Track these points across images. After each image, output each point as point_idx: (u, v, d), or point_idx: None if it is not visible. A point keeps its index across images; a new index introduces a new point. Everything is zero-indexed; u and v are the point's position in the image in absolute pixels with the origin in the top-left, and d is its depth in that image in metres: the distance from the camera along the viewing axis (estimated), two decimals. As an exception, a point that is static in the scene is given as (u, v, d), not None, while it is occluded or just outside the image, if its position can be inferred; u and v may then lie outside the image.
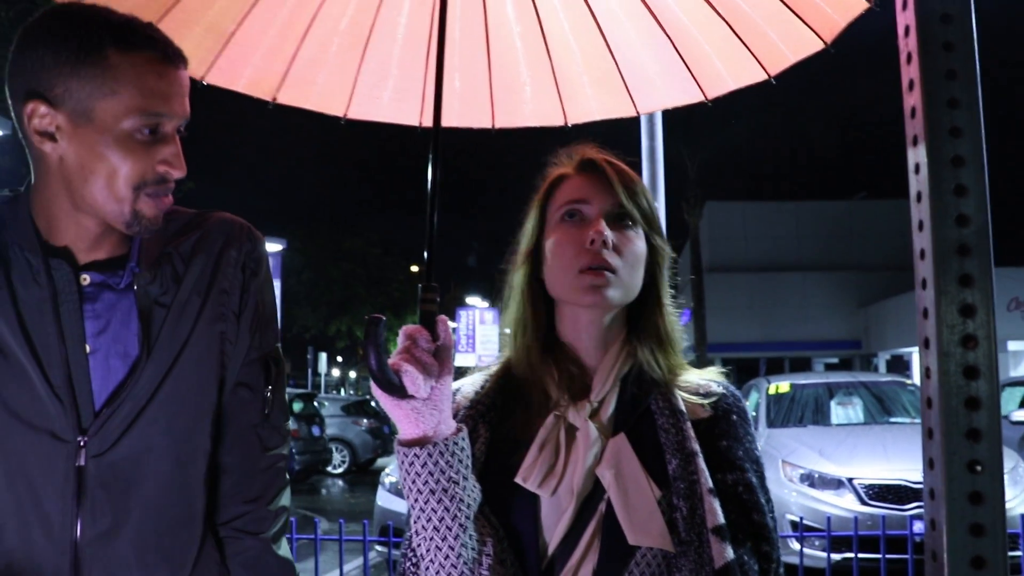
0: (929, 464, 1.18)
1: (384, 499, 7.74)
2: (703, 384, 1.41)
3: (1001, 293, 22.55)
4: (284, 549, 1.52)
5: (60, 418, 1.30)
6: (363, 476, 18.07)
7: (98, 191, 1.30)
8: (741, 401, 1.42)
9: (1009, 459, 7.24)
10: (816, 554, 5.94)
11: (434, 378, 1.22)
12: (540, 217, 1.44)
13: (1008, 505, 6.69)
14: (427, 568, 1.27)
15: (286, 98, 2.28)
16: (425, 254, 1.40)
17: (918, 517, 6.27)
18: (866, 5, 1.93)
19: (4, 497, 1.29)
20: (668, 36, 2.19)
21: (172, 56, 1.34)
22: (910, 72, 1.20)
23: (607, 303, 1.35)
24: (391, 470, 8.06)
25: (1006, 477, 6.86)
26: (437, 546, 1.25)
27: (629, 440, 1.31)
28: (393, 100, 2.36)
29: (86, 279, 1.35)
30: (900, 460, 7.06)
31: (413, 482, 1.24)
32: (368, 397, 26.04)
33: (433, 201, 1.44)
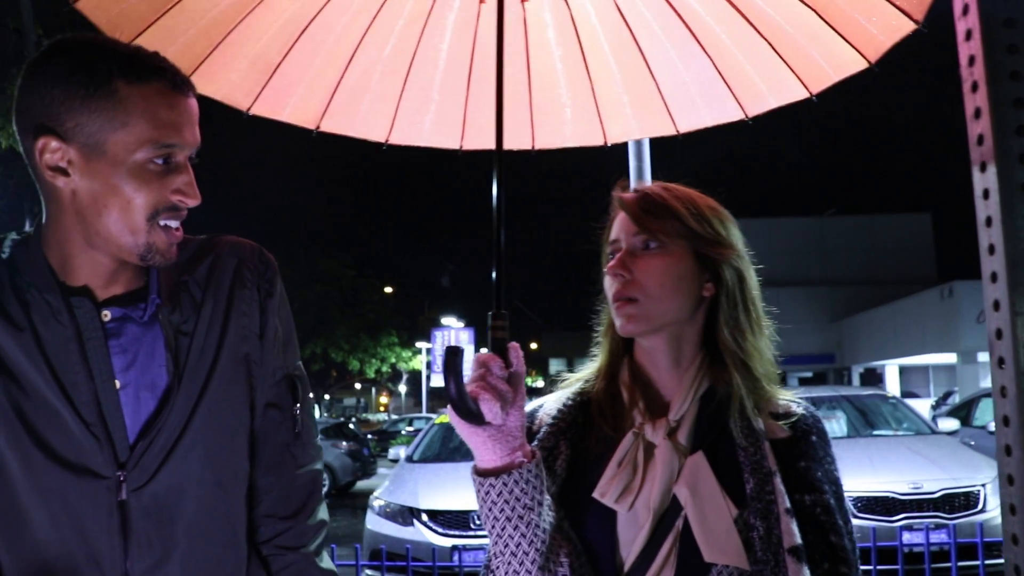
0: (1008, 480, 1.21)
1: (373, 522, 7.73)
2: (783, 404, 1.43)
3: (970, 306, 22.98)
4: (327, 561, 1.53)
5: (96, 455, 1.29)
6: (343, 499, 17.91)
7: (112, 223, 1.29)
8: (821, 422, 1.44)
9: (991, 469, 7.34)
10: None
11: (509, 405, 1.25)
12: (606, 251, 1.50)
13: (992, 514, 6.80)
14: None
15: (329, 126, 2.30)
16: (494, 281, 1.42)
17: (907, 528, 6.36)
18: (913, 26, 1.94)
19: (51, 538, 1.28)
20: (708, 55, 2.22)
21: (181, 85, 1.33)
22: (970, 48, 1.23)
23: (639, 331, 1.41)
24: (379, 493, 8.04)
25: (989, 487, 6.99)
26: (515, 570, 1.29)
27: (707, 458, 1.34)
28: (435, 124, 2.39)
29: (107, 315, 1.34)
30: (886, 472, 7.13)
31: (490, 510, 1.28)
32: (343, 419, 25.84)
33: (499, 228, 1.46)
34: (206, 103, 1.66)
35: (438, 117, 2.39)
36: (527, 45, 2.31)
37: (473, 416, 1.24)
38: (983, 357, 24.26)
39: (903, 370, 31.97)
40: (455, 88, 2.35)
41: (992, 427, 10.11)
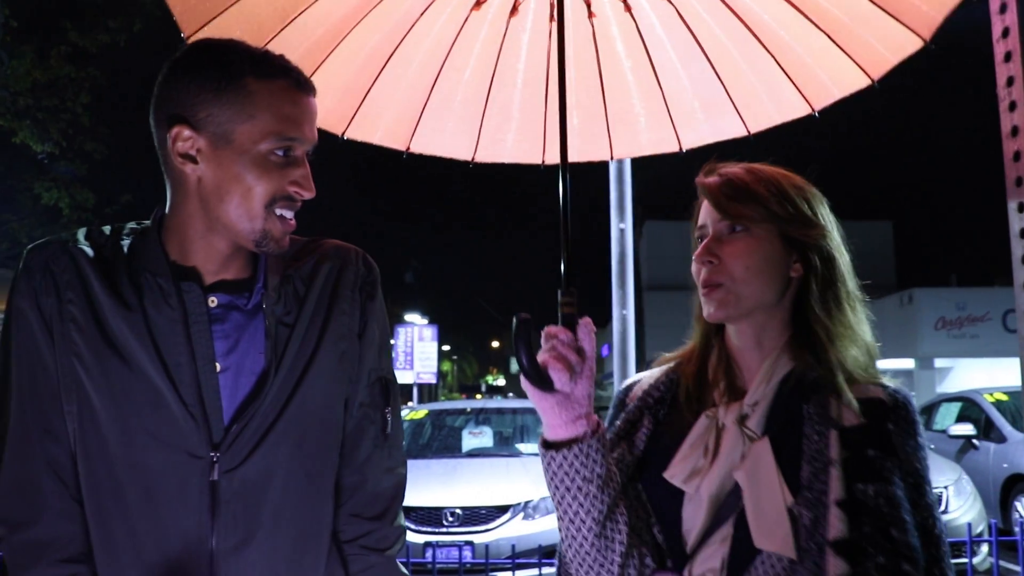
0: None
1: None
2: (870, 389, 1.40)
3: (928, 312, 23.35)
4: (400, 566, 1.58)
5: (193, 435, 1.36)
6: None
7: (233, 209, 1.38)
8: (905, 409, 1.38)
9: (953, 471, 7.51)
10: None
11: (578, 374, 1.34)
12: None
13: (953, 515, 6.95)
14: (566, 551, 1.42)
15: (418, 147, 2.42)
16: (562, 264, 1.51)
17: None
18: (920, 44, 1.96)
19: (144, 512, 1.34)
20: (770, 53, 2.23)
21: (304, 84, 1.43)
22: (1010, 69, 1.28)
23: (727, 316, 1.44)
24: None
25: (951, 488, 7.13)
26: (573, 535, 1.38)
27: (775, 445, 1.35)
28: (516, 141, 2.47)
29: (213, 300, 1.42)
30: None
31: (551, 479, 1.39)
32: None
33: (566, 222, 1.55)
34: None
35: (519, 134, 2.47)
36: (598, 59, 2.37)
37: (543, 382, 1.33)
38: (940, 363, 24.72)
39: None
40: (533, 105, 2.43)
41: (952, 431, 10.36)
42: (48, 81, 13.81)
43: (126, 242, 1.44)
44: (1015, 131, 1.30)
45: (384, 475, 1.55)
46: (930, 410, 12.01)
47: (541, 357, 1.33)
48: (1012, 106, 1.30)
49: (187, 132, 1.36)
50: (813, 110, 2.29)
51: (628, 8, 2.26)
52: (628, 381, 1.62)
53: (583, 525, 1.37)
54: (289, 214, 1.42)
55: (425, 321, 29.87)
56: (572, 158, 2.44)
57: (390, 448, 1.56)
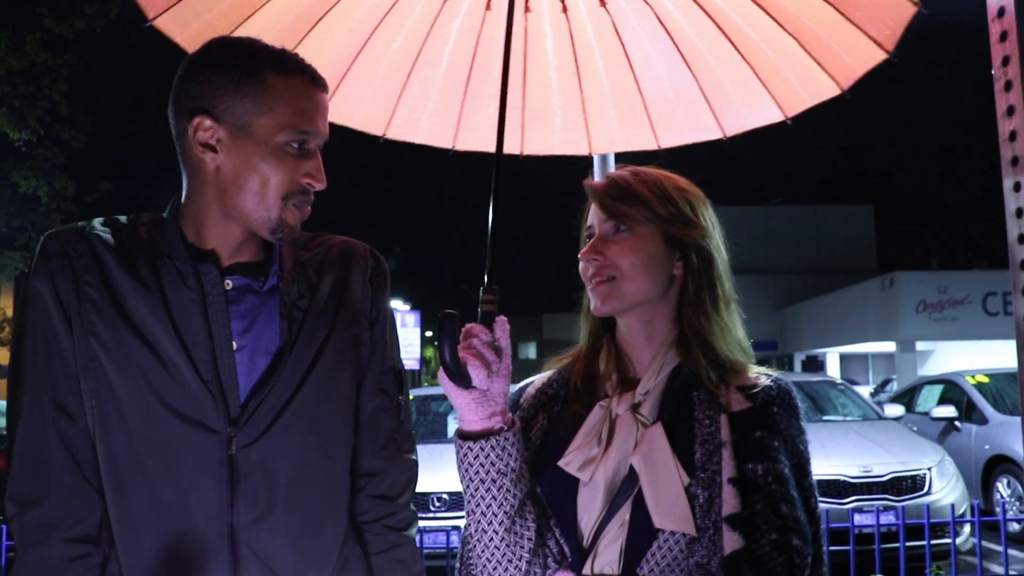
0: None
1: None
2: (752, 377, 1.49)
3: (910, 296, 23.54)
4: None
5: (211, 410, 1.40)
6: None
7: (250, 198, 1.44)
8: (788, 395, 1.48)
9: (935, 453, 7.58)
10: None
11: (495, 372, 1.36)
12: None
13: (937, 496, 7.01)
14: (474, 546, 1.42)
15: (332, 116, 2.39)
16: (487, 262, 1.53)
17: (857, 510, 6.52)
18: (884, 56, 2.06)
19: (166, 486, 1.39)
20: (694, 74, 2.31)
21: (318, 81, 1.50)
22: (1007, 73, 1.29)
23: (614, 309, 1.49)
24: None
25: (934, 470, 7.19)
26: (483, 529, 1.39)
27: (668, 431, 1.41)
28: (431, 124, 2.47)
29: (229, 283, 1.47)
30: (837, 456, 7.30)
31: (466, 471, 1.39)
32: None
33: (496, 214, 1.59)
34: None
35: (435, 116, 2.47)
36: (526, 54, 2.39)
37: (462, 378, 1.35)
38: (921, 346, 24.95)
39: (843, 358, 32.69)
40: (453, 90, 2.43)
41: (934, 413, 10.45)
42: (24, 68, 13.64)
43: (143, 229, 1.49)
44: (1011, 111, 1.29)
45: (403, 459, 1.61)
46: (912, 392, 12.12)
47: (460, 354, 1.35)
48: (1008, 86, 1.30)
49: (208, 122, 1.42)
50: (724, 132, 2.39)
51: (604, 3, 2.29)
52: (521, 384, 1.66)
53: (494, 519, 1.38)
54: (304, 203, 1.48)
55: (408, 307, 29.88)
56: (480, 147, 2.49)
57: (404, 434, 1.62)
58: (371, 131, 2.44)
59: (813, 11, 2.08)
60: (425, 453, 7.88)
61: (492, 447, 1.37)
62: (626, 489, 1.39)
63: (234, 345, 1.44)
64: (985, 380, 10.66)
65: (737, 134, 2.40)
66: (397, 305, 29.18)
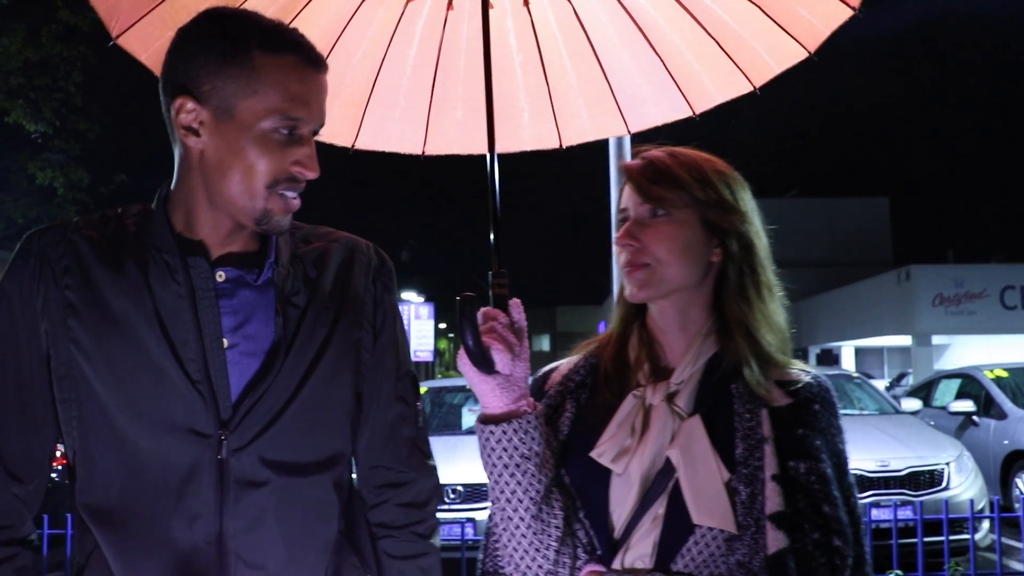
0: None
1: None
2: (791, 373, 1.44)
3: (926, 289, 23.37)
4: None
5: (200, 412, 1.32)
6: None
7: (234, 186, 1.34)
8: (828, 393, 1.43)
9: (954, 448, 7.51)
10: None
11: (516, 356, 1.33)
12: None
13: (956, 491, 6.95)
14: (500, 535, 1.38)
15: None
16: (492, 244, 1.51)
17: (875, 504, 6.47)
18: (850, 13, 2.00)
19: (152, 492, 1.32)
20: (658, 55, 2.27)
21: (315, 60, 1.38)
22: None
23: (650, 296, 1.44)
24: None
25: (952, 465, 7.13)
26: (509, 516, 1.35)
27: (705, 423, 1.37)
28: (400, 131, 2.43)
29: (221, 275, 1.38)
30: (855, 451, 7.11)
31: (489, 456, 1.35)
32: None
33: (494, 199, 1.57)
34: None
35: (403, 123, 2.43)
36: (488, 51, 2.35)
37: (486, 364, 1.31)
38: (937, 340, 24.77)
39: (859, 351, 32.53)
40: (420, 94, 2.39)
41: (952, 407, 10.37)
42: (40, 60, 13.69)
43: (131, 221, 1.42)
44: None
45: (428, 466, 1.56)
46: (929, 387, 12.03)
47: (483, 339, 1.31)
48: None
49: (191, 104, 1.33)
50: (693, 112, 2.34)
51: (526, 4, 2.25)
52: (545, 368, 1.60)
53: (520, 505, 1.34)
54: (292, 194, 1.38)
55: (422, 299, 29.91)
56: (451, 150, 2.47)
57: (423, 440, 1.57)
58: (339, 143, 2.39)
59: None
60: (440, 445, 7.88)
61: (515, 430, 1.33)
62: (661, 482, 1.35)
63: (225, 343, 1.36)
64: (1004, 375, 10.57)
65: (706, 111, 2.36)
66: (411, 297, 29.24)
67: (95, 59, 14.17)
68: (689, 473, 1.33)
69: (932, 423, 9.98)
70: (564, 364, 1.58)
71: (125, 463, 1.33)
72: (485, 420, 1.36)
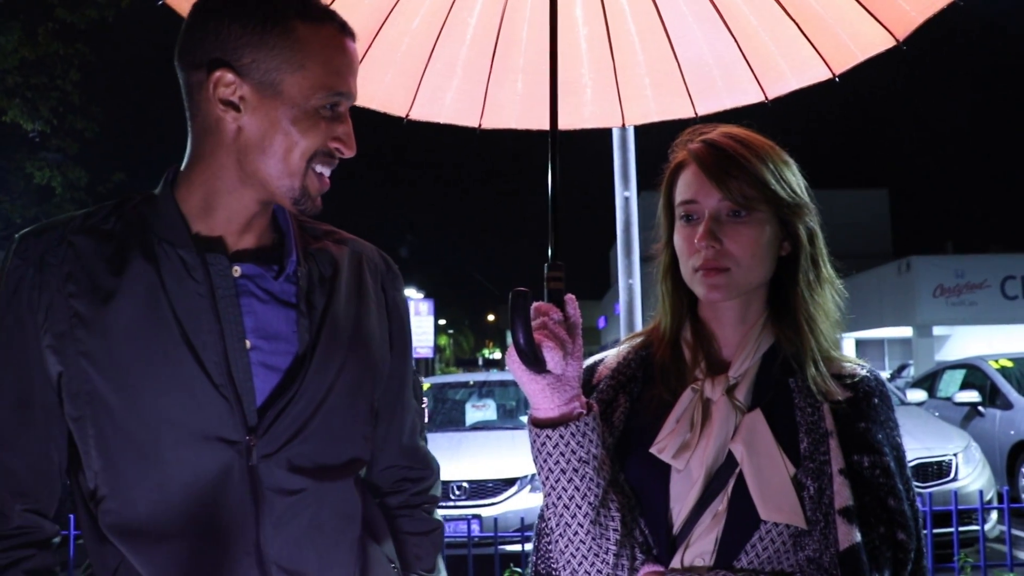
0: None
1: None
2: (847, 366, 1.41)
3: (927, 280, 23.35)
4: None
5: (227, 419, 1.26)
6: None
7: (273, 164, 1.28)
8: (885, 386, 1.41)
9: (961, 439, 7.49)
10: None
11: (569, 355, 1.26)
12: (668, 207, 1.46)
13: (964, 482, 6.93)
14: (557, 541, 1.32)
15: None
16: (550, 237, 1.43)
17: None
18: (947, 0, 1.91)
19: (182, 508, 1.26)
20: (734, 36, 2.20)
21: (348, 29, 1.32)
22: None
23: (725, 298, 1.38)
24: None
25: (960, 456, 7.10)
26: (567, 522, 1.29)
27: (765, 417, 1.33)
28: (455, 102, 2.36)
29: (238, 270, 1.31)
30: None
31: (544, 462, 1.29)
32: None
33: (555, 189, 1.48)
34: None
35: (460, 94, 2.36)
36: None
37: (537, 363, 1.24)
38: (938, 331, 24.76)
39: (859, 343, 32.53)
40: (479, 65, 2.32)
41: (957, 398, 10.33)
42: (37, 58, 13.64)
43: (134, 214, 1.33)
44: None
45: (432, 459, 1.63)
46: (933, 377, 12.00)
47: (535, 336, 1.24)
48: None
49: (230, 76, 1.25)
50: (766, 97, 2.28)
51: None
52: (589, 361, 1.54)
53: (578, 511, 1.28)
54: (327, 171, 1.33)
55: (421, 295, 29.95)
56: (510, 124, 2.41)
57: (425, 440, 1.63)
58: (394, 112, 2.34)
59: None
60: (443, 442, 7.87)
61: (572, 434, 1.27)
62: (722, 477, 1.31)
63: (248, 344, 1.29)
64: (1009, 364, 10.53)
65: (780, 96, 2.29)
66: (410, 293, 29.22)
67: (92, 57, 14.12)
68: (754, 468, 1.29)
69: (937, 414, 9.96)
70: (610, 357, 1.53)
71: (151, 477, 1.25)
72: (538, 424, 1.29)
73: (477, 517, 6.38)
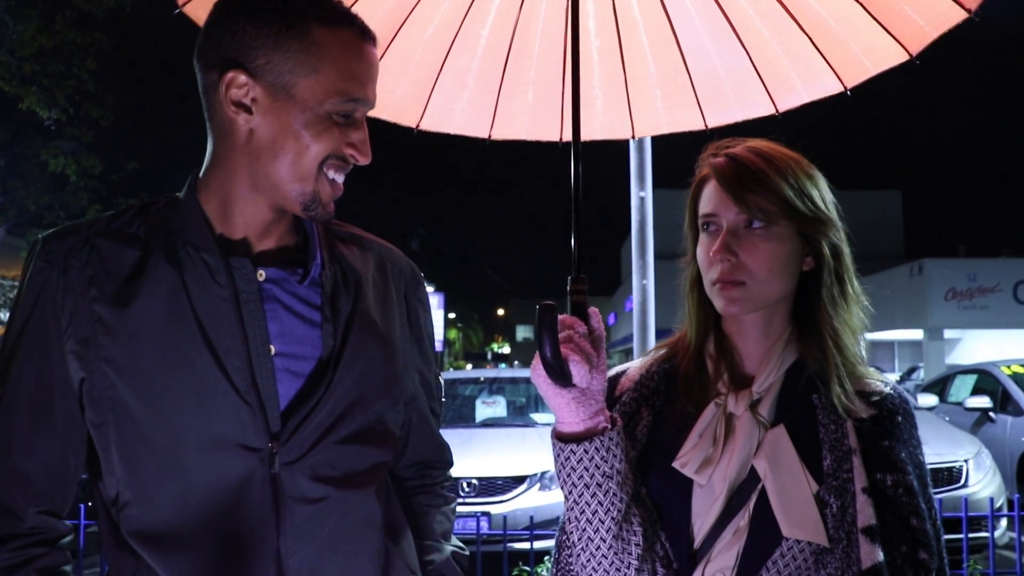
0: None
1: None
2: (871, 383, 1.41)
3: (939, 283, 23.25)
4: None
5: (249, 425, 1.25)
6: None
7: (284, 168, 1.26)
8: (908, 404, 1.41)
9: (972, 445, 7.43)
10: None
11: (594, 368, 1.25)
12: (693, 220, 1.46)
13: (974, 489, 6.89)
14: (579, 555, 1.32)
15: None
16: (572, 249, 1.42)
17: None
18: (964, 15, 1.89)
19: (203, 516, 1.24)
20: (745, 48, 2.20)
21: (368, 34, 1.30)
22: None
23: (742, 312, 1.37)
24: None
25: (971, 462, 7.06)
26: (589, 536, 1.29)
27: (788, 433, 1.33)
28: (465, 112, 2.38)
29: (262, 274, 1.30)
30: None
31: (568, 476, 1.28)
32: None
33: (577, 201, 1.46)
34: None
35: (470, 105, 2.36)
36: (566, 34, 2.27)
37: (564, 377, 1.22)
38: (949, 334, 24.65)
39: (870, 344, 32.41)
40: (490, 76, 2.33)
41: (968, 403, 10.29)
42: (54, 47, 13.72)
43: (158, 217, 1.32)
44: None
45: (449, 451, 1.65)
46: (944, 382, 11.94)
47: (562, 350, 1.22)
48: None
49: (243, 78, 1.23)
50: (776, 109, 2.28)
51: None
52: (611, 373, 1.52)
53: (601, 526, 1.28)
54: (340, 177, 1.31)
55: (431, 289, 29.97)
56: (519, 135, 2.42)
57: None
58: (404, 123, 2.34)
59: None
60: (453, 438, 7.87)
61: (596, 449, 1.26)
62: (744, 493, 1.31)
63: (272, 349, 1.27)
64: (1021, 370, 10.47)
65: (790, 109, 2.29)
66: (421, 286, 29.27)
67: (109, 46, 14.17)
68: (777, 484, 1.29)
69: (947, 419, 9.91)
70: (633, 369, 1.52)
71: (173, 484, 1.24)
72: (563, 438, 1.28)
73: (486, 514, 6.38)
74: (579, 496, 1.28)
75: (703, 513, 1.32)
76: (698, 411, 1.39)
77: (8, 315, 1.33)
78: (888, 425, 1.35)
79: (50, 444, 1.27)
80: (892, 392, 1.40)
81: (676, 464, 1.34)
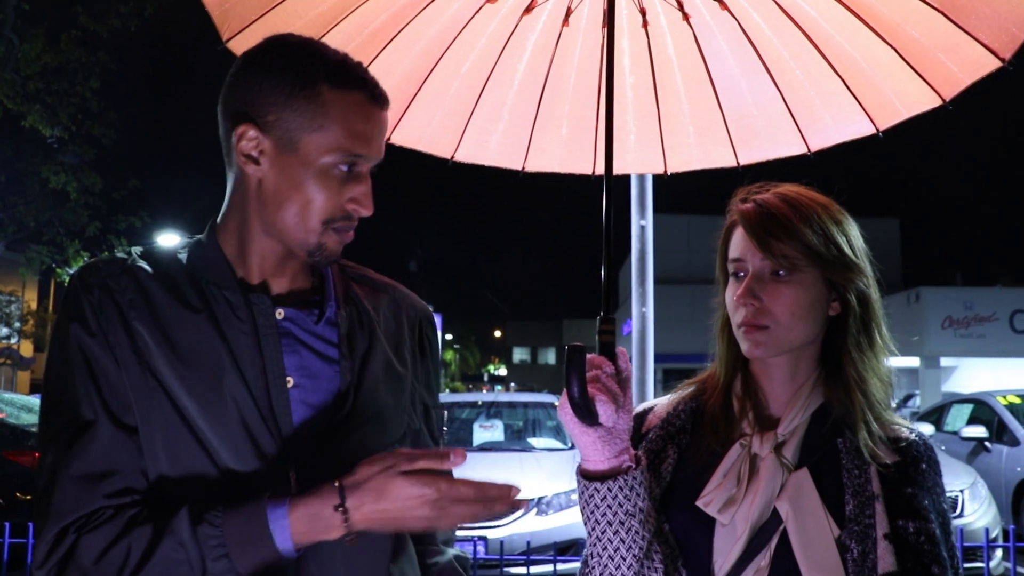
0: None
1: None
2: (895, 429, 1.42)
3: (935, 311, 23.29)
4: None
5: (270, 449, 1.29)
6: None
7: (289, 218, 1.33)
8: (933, 452, 1.42)
9: (968, 475, 7.44)
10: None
11: (621, 407, 1.27)
12: (723, 264, 1.49)
13: (970, 519, 6.89)
14: None
15: (397, 139, 2.37)
16: (602, 287, 1.45)
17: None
18: (998, 64, 1.91)
19: None
20: (778, 88, 2.23)
21: (379, 98, 1.37)
22: None
23: (766, 354, 1.41)
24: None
25: (967, 492, 7.06)
26: (611, 572, 1.31)
27: (812, 476, 1.35)
28: (500, 145, 2.41)
29: (281, 313, 1.37)
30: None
31: (592, 513, 1.30)
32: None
33: (608, 242, 1.48)
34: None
35: (505, 137, 2.41)
36: (601, 70, 2.30)
37: (591, 416, 1.25)
38: (946, 362, 24.69)
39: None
40: (525, 110, 2.38)
41: (964, 433, 10.29)
42: (58, 65, 13.79)
43: (183, 255, 1.39)
44: None
45: None
46: (941, 411, 11.95)
47: (589, 390, 1.25)
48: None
49: (252, 132, 1.31)
50: (809, 149, 2.30)
51: (687, 17, 2.21)
52: (638, 409, 1.56)
53: (623, 563, 1.30)
54: (347, 230, 1.38)
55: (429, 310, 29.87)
56: (553, 168, 2.46)
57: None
58: (439, 154, 2.38)
59: (918, 19, 1.96)
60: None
61: (620, 487, 1.28)
62: (766, 534, 1.33)
63: (290, 381, 1.33)
64: (1017, 401, 10.48)
65: (822, 149, 2.32)
66: (418, 308, 29.24)
67: (113, 65, 14.25)
68: (799, 527, 1.30)
69: (943, 448, 9.92)
70: (660, 406, 1.55)
71: (215, 490, 1.26)
72: (588, 476, 1.31)
73: (483, 539, 6.36)
74: (601, 533, 1.30)
75: (724, 552, 1.34)
76: (724, 449, 1.41)
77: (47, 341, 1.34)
78: (912, 472, 1.36)
79: (132, 453, 1.27)
80: (917, 439, 1.41)
81: (699, 503, 1.36)
